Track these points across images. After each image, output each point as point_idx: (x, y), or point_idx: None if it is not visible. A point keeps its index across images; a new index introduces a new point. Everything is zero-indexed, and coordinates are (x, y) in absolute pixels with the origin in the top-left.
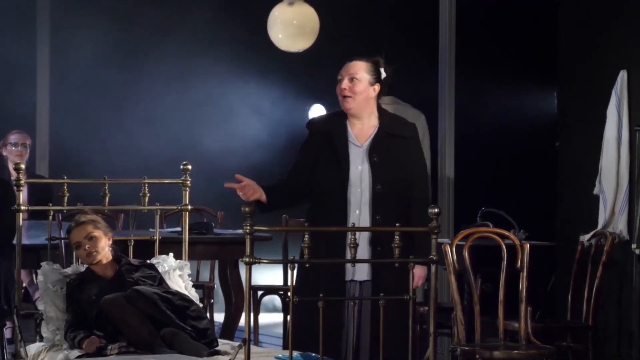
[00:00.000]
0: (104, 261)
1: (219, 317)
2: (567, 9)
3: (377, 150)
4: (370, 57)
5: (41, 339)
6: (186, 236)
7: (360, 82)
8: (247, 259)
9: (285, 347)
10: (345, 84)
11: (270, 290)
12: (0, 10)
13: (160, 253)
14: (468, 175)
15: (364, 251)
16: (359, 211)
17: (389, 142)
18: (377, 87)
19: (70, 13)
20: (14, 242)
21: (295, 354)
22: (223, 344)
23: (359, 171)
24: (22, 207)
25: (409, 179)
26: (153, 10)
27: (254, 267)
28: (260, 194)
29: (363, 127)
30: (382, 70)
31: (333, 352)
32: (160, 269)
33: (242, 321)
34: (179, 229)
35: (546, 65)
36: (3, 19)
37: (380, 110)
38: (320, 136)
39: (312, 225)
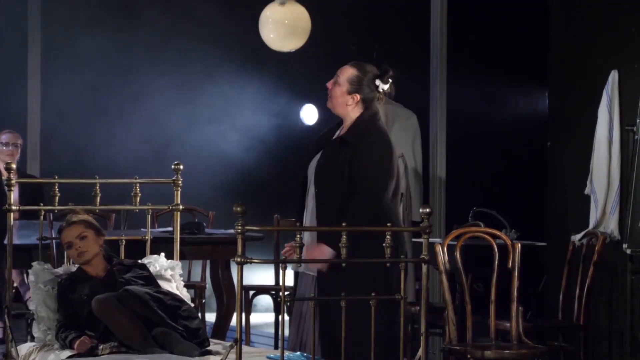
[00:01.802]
0: (96, 261)
1: (211, 317)
2: (558, 9)
3: (326, 153)
4: (363, 67)
5: (32, 339)
6: (178, 236)
7: (340, 87)
8: (238, 259)
9: (277, 347)
10: (330, 83)
11: (262, 290)
12: None
13: (152, 253)
14: (459, 175)
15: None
16: (307, 210)
17: (339, 148)
18: (355, 97)
19: (61, 14)
20: (5, 242)
21: (286, 353)
22: (215, 344)
23: (311, 172)
24: (13, 207)
25: (347, 190)
26: (146, 11)
27: (246, 267)
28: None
29: (342, 130)
30: (378, 82)
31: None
32: (151, 269)
33: (234, 321)
34: (170, 228)
35: (537, 65)
36: None
37: (357, 118)
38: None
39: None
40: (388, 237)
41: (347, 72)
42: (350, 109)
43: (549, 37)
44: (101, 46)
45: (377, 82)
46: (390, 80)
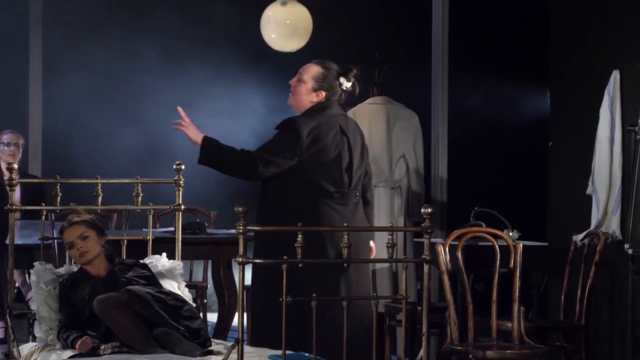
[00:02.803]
0: (97, 261)
1: (212, 317)
2: (559, 9)
3: None
4: (326, 65)
5: (34, 339)
6: (179, 236)
7: (304, 84)
8: (240, 259)
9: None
10: (293, 80)
11: None
12: None
13: (154, 253)
14: (461, 175)
15: None
16: None
17: None
18: (320, 94)
19: (63, 14)
20: (7, 242)
21: (288, 353)
22: (216, 344)
23: None
24: (15, 207)
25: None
26: (148, 12)
27: (247, 267)
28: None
29: None
30: (342, 80)
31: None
32: (153, 269)
33: (236, 321)
34: (172, 228)
35: (539, 65)
36: None
37: (309, 110)
38: None
39: None
40: (389, 237)
41: (312, 70)
42: (307, 103)
43: (550, 36)
44: (103, 46)
45: (341, 79)
46: (354, 79)
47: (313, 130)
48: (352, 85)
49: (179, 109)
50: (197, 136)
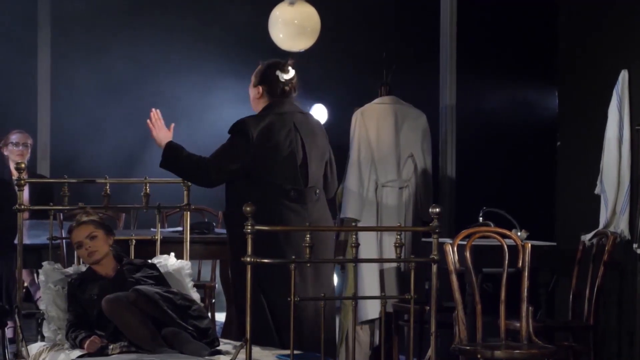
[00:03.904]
0: (105, 261)
1: (220, 316)
2: (568, 8)
3: None
4: (266, 62)
5: (42, 338)
6: (187, 236)
7: (250, 84)
8: (248, 259)
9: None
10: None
11: None
12: (2, 12)
13: (162, 253)
14: (469, 175)
15: None
16: None
17: None
18: (259, 88)
19: (71, 13)
20: (15, 241)
21: (296, 352)
22: (224, 344)
23: None
24: (24, 207)
25: None
26: (157, 10)
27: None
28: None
29: None
30: (278, 73)
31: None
32: (161, 269)
33: None
34: (180, 228)
35: (547, 64)
36: (5, 21)
37: (261, 110)
38: None
39: None
40: (398, 236)
41: (256, 70)
42: (258, 102)
43: (558, 36)
44: (111, 46)
45: (277, 72)
46: (290, 69)
47: (263, 129)
48: (292, 78)
49: (153, 111)
50: (164, 139)
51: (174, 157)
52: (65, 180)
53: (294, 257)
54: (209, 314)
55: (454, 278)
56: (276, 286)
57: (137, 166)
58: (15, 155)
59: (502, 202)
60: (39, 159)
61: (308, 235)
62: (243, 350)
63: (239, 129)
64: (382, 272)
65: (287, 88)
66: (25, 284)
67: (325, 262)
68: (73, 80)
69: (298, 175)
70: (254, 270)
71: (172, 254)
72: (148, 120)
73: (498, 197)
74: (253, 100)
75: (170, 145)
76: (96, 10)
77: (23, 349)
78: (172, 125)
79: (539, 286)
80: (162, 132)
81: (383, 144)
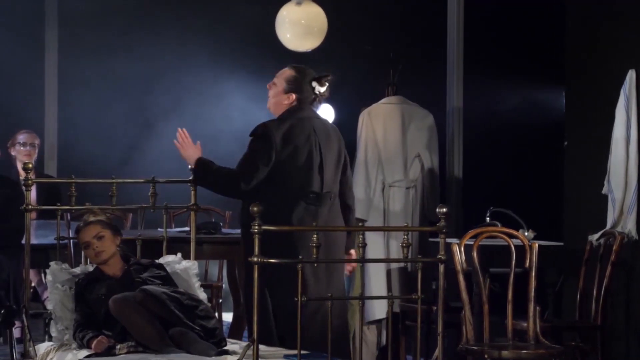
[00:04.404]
0: (113, 261)
1: (228, 316)
2: (575, 8)
3: None
4: (301, 70)
5: (50, 338)
6: (194, 236)
7: (275, 87)
8: (255, 259)
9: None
10: (269, 84)
11: None
12: (9, 12)
13: (169, 253)
14: (476, 175)
15: None
16: None
17: None
18: (291, 96)
19: (78, 12)
20: (23, 241)
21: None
22: (231, 344)
23: None
24: (31, 207)
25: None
26: (162, 8)
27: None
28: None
29: None
30: (314, 84)
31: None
32: (168, 269)
33: None
34: (187, 228)
35: (554, 64)
36: (11, 20)
37: (282, 114)
38: None
39: None
40: (405, 237)
41: (285, 73)
42: (281, 107)
43: (565, 36)
44: (119, 46)
45: (314, 84)
46: (327, 84)
47: (284, 133)
48: (326, 91)
49: (179, 130)
50: (193, 156)
51: (204, 172)
52: (72, 181)
53: (301, 257)
54: (216, 314)
55: (461, 278)
56: (284, 286)
57: (145, 166)
58: (23, 155)
59: (509, 202)
60: (46, 159)
61: (315, 236)
62: (250, 350)
63: (261, 133)
64: (389, 272)
65: (317, 99)
66: (33, 284)
67: (333, 262)
68: (80, 80)
69: (315, 178)
70: (262, 271)
71: (179, 254)
72: (175, 141)
73: (505, 197)
74: (277, 104)
75: (200, 162)
76: (104, 9)
77: (30, 348)
78: (199, 142)
79: (546, 286)
80: (190, 150)
81: (390, 144)
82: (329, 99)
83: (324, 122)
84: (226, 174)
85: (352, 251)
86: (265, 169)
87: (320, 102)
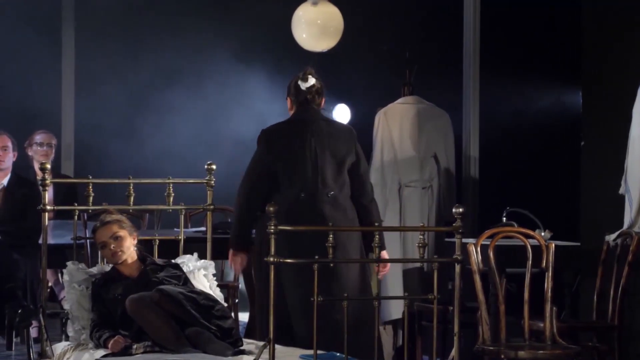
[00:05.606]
0: (129, 261)
1: (244, 316)
2: (591, 9)
3: None
4: (295, 76)
5: (67, 338)
6: (210, 236)
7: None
8: (271, 259)
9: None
10: None
11: None
12: (25, 12)
13: (185, 253)
14: (493, 175)
15: None
16: None
17: None
18: (289, 101)
19: (95, 13)
20: (40, 241)
21: (319, 352)
22: (248, 344)
23: None
24: (48, 207)
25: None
26: (178, 8)
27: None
28: None
29: None
30: (300, 83)
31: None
32: (184, 269)
33: None
34: (203, 228)
35: (570, 64)
36: (28, 20)
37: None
38: None
39: None
40: (421, 237)
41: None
42: (290, 113)
43: (582, 35)
44: (135, 47)
45: (298, 82)
46: (310, 78)
47: (275, 136)
48: (315, 84)
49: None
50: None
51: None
52: (89, 181)
53: (317, 256)
54: (232, 314)
55: (477, 278)
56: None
57: (161, 166)
58: (40, 155)
59: (526, 202)
60: (63, 159)
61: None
62: (266, 350)
63: (259, 140)
64: (405, 273)
65: (309, 96)
66: (50, 284)
67: (348, 262)
68: (97, 80)
69: (310, 180)
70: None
71: (195, 253)
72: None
73: (521, 197)
74: (289, 111)
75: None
76: (121, 8)
77: (47, 348)
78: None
79: (563, 286)
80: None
81: (406, 144)
82: (345, 99)
83: (329, 122)
84: (236, 205)
85: (384, 252)
86: (262, 178)
87: (316, 98)
